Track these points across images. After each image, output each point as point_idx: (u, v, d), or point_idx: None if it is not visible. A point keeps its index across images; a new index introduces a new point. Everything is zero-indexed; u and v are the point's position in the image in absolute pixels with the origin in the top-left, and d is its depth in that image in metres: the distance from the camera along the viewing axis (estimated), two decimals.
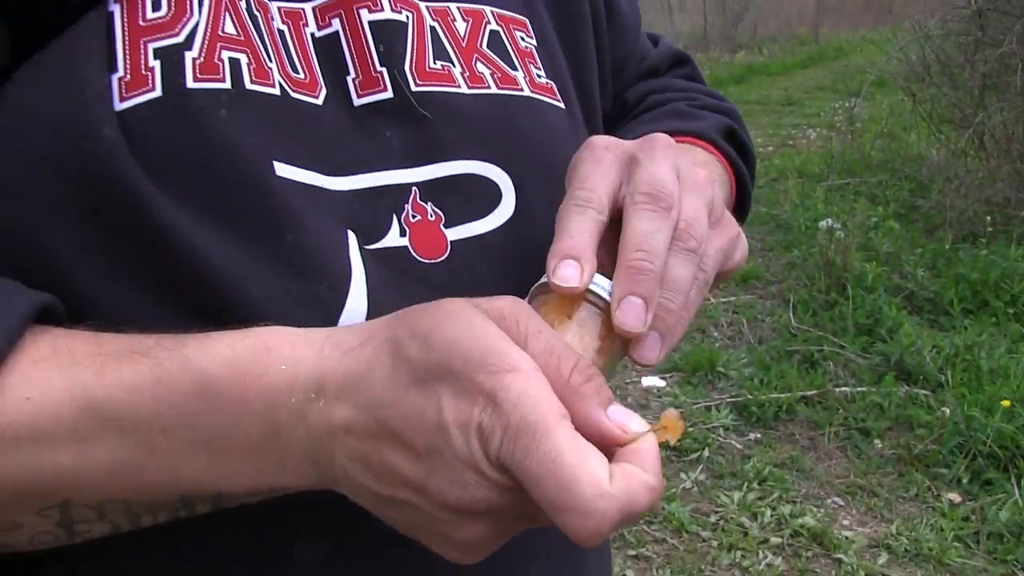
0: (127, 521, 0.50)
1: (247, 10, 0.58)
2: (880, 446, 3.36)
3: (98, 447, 0.46)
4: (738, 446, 3.43)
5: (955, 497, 3.03)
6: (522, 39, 0.71)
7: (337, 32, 0.62)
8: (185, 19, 0.55)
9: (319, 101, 0.60)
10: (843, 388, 3.72)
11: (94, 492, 0.48)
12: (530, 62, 0.70)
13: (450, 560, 0.47)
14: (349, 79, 0.62)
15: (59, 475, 0.46)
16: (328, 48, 0.62)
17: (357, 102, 0.61)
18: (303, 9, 0.62)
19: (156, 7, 0.54)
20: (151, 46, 0.53)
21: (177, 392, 0.46)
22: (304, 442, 0.46)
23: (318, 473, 0.48)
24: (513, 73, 0.68)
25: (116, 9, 0.54)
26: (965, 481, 3.09)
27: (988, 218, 4.99)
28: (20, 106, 0.51)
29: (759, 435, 3.50)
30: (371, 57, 0.62)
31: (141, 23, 0.54)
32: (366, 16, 0.63)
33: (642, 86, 0.89)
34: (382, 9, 0.63)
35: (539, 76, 0.70)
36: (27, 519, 0.48)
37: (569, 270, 0.51)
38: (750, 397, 3.67)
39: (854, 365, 3.88)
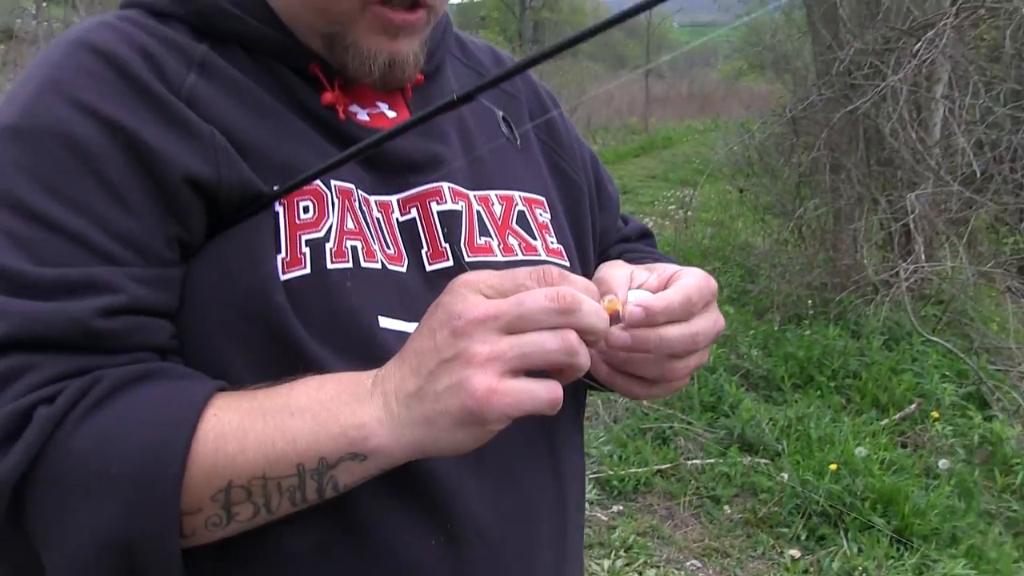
0: (262, 501, 0.73)
1: (360, 208, 0.86)
2: (729, 511, 3.73)
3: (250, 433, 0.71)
4: (603, 518, 3.73)
5: (796, 553, 3.42)
6: (540, 214, 1.00)
7: (415, 218, 0.90)
8: (324, 220, 0.82)
9: (403, 269, 0.87)
10: (694, 460, 4.09)
11: (245, 471, 0.71)
12: (546, 232, 0.99)
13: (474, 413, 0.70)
14: (423, 252, 0.89)
15: (230, 458, 0.71)
16: (409, 230, 0.89)
17: (428, 269, 0.89)
18: (391, 201, 0.90)
19: (306, 211, 0.82)
20: (303, 237, 0.81)
21: (302, 386, 0.74)
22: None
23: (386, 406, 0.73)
24: (534, 242, 0.97)
25: (281, 211, 0.81)
26: (803, 538, 3.49)
27: (809, 301, 5.57)
28: (220, 268, 0.78)
29: (621, 507, 3.81)
30: (438, 236, 0.90)
31: (297, 221, 0.81)
32: (435, 207, 0.91)
33: (620, 247, 1.20)
34: (445, 202, 0.91)
35: (552, 243, 0.99)
36: (205, 503, 0.70)
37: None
38: (611, 472, 3.98)
39: (702, 439, 4.27)
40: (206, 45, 0.85)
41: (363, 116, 0.93)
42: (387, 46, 0.88)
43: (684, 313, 0.84)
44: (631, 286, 0.91)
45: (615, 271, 0.94)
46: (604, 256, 1.15)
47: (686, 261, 7.01)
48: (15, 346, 0.69)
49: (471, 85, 1.00)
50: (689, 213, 8.17)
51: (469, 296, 0.71)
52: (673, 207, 9.23)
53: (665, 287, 0.88)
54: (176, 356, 0.78)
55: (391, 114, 0.95)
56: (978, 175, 4.86)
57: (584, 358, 0.71)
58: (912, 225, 4.80)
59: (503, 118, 0.86)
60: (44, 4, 33.51)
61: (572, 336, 0.70)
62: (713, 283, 0.89)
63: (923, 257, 4.96)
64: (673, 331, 0.84)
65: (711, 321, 0.88)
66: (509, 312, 0.69)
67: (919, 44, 4.79)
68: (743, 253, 7.08)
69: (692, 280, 0.87)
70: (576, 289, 0.71)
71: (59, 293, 0.71)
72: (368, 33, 0.87)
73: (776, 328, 5.40)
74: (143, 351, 0.75)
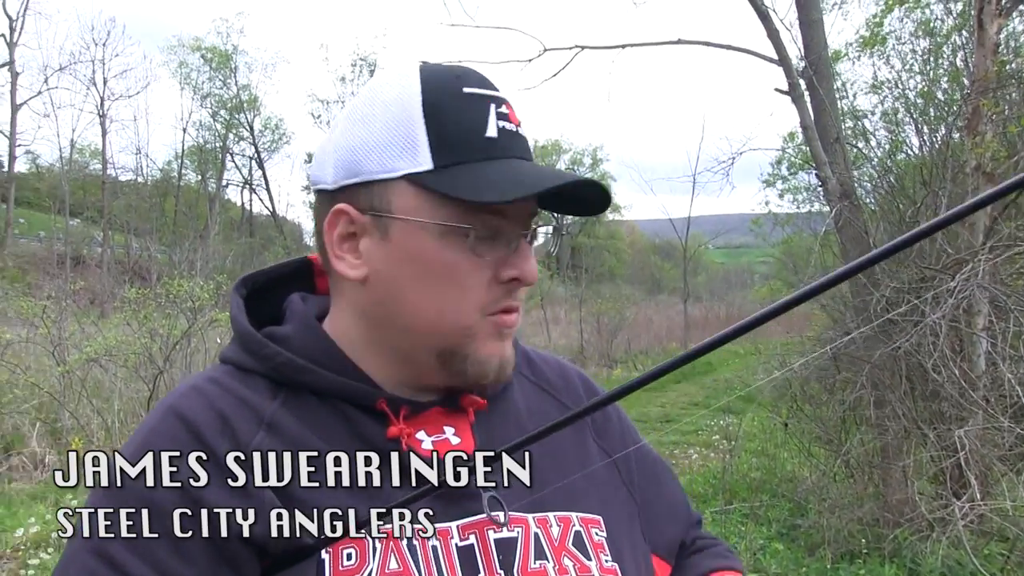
0: None
1: (407, 545, 0.91)
2: None
3: None
4: None
5: None
6: (596, 534, 1.04)
7: (473, 544, 0.94)
8: (365, 567, 0.89)
9: None
10: None
11: None
12: (601, 551, 1.03)
13: None
14: None
15: None
16: (467, 555, 0.94)
17: None
18: (451, 527, 0.94)
19: (349, 558, 0.89)
20: None
21: None
22: None
23: None
24: (588, 563, 1.00)
25: (327, 558, 0.88)
26: None
27: (863, 539, 5.39)
28: None
29: None
30: (494, 562, 0.94)
31: (340, 568, 0.88)
32: (492, 535, 0.95)
33: (692, 533, 1.25)
34: (502, 530, 0.96)
35: (606, 562, 1.02)
36: None
37: None
38: None
39: None
40: (280, 399, 0.98)
41: (427, 444, 1.00)
42: (499, 349, 1.00)
43: None
44: None
45: None
46: (680, 544, 1.22)
47: (733, 495, 6.91)
48: None
49: (539, 405, 1.13)
50: (735, 443, 8.07)
51: None
52: (717, 437, 9.13)
53: None
54: None
55: (455, 440, 1.01)
56: None
57: None
58: (964, 461, 4.70)
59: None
60: (110, 232, 35.30)
61: None
62: None
63: (978, 495, 4.82)
64: None
65: None
66: None
67: (955, 281, 4.88)
68: (790, 486, 6.93)
69: None
70: None
71: None
72: (486, 340, 0.98)
73: (829, 566, 5.20)
74: None
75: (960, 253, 5.40)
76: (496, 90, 1.00)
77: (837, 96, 6.33)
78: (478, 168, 0.94)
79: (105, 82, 37.64)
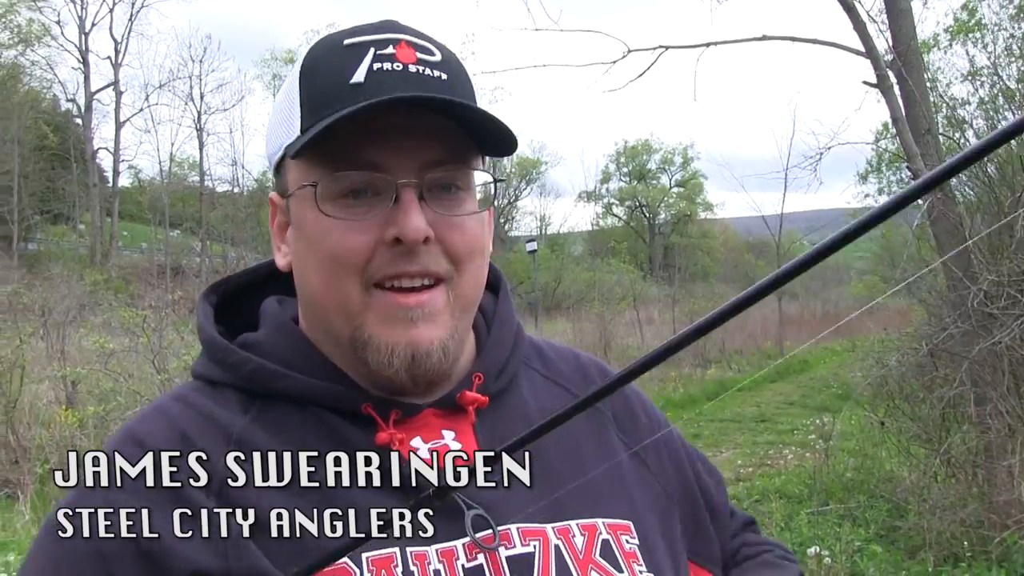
0: None
1: (405, 571, 0.81)
2: None
3: None
4: None
5: None
6: (627, 541, 0.92)
7: (482, 565, 0.83)
8: None
9: None
10: None
11: None
12: (633, 561, 0.91)
13: None
14: None
15: None
16: None
17: None
18: (455, 547, 0.83)
19: None
20: None
21: None
22: None
23: None
24: (619, 575, 0.89)
25: None
26: None
27: (965, 542, 5.23)
28: None
29: None
30: None
31: None
32: (503, 552, 0.84)
33: (737, 541, 1.15)
34: (515, 545, 0.85)
35: (640, 571, 0.91)
36: None
37: None
38: None
39: None
40: (253, 412, 0.88)
41: (424, 452, 0.88)
42: (405, 335, 0.85)
43: None
44: None
45: None
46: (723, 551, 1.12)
47: (829, 496, 6.77)
48: None
49: (552, 400, 0.99)
50: (831, 442, 7.90)
51: None
52: (813, 436, 8.96)
53: None
54: None
55: (455, 445, 0.90)
56: None
57: None
58: None
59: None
60: (208, 242, 36.33)
61: None
62: None
63: None
64: None
65: None
66: None
67: None
68: (889, 486, 6.75)
69: None
70: None
71: None
72: (383, 323, 0.85)
73: (931, 569, 5.07)
74: None
75: None
76: (397, 32, 0.87)
77: (928, 87, 6.16)
78: (332, 118, 0.82)
79: (202, 97, 39.16)
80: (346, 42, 0.86)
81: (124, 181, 42.94)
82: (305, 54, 0.89)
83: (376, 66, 0.84)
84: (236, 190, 40.63)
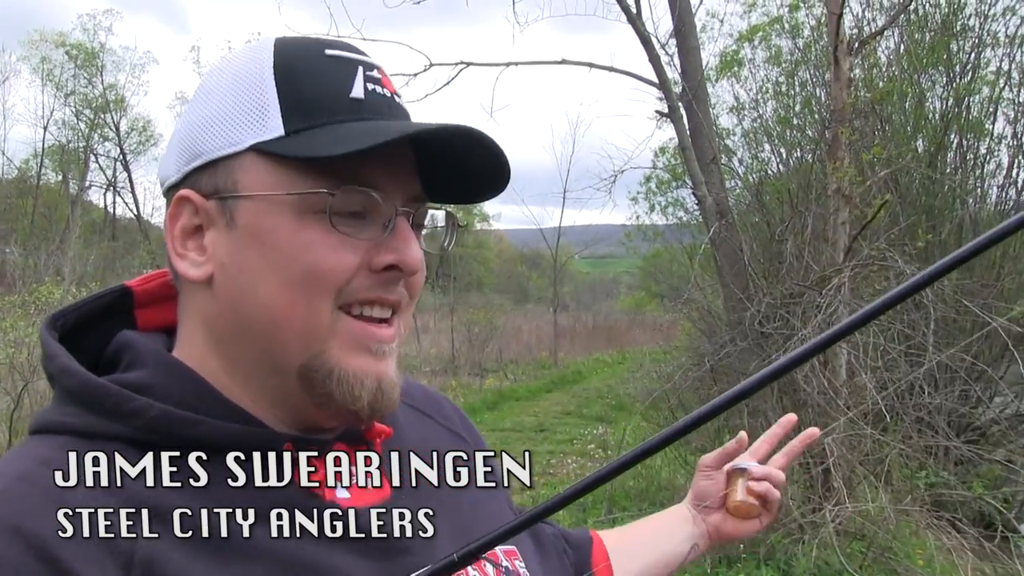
0: None
1: None
2: None
3: None
4: None
5: None
6: (519, 565, 0.94)
7: None
8: None
9: None
10: None
11: None
12: None
13: None
14: None
15: None
16: None
17: None
18: None
19: None
20: None
21: None
22: None
23: None
24: None
25: None
26: None
27: (740, 545, 5.64)
28: None
29: None
30: None
31: None
32: None
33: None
34: None
35: None
36: None
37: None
38: None
39: None
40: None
41: (343, 492, 0.82)
42: (371, 366, 0.81)
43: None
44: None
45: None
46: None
47: (613, 504, 7.10)
48: None
49: (427, 431, 1.00)
50: (609, 453, 8.29)
51: None
52: (592, 446, 9.35)
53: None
54: None
55: (371, 483, 0.82)
56: (887, 416, 5.15)
57: None
58: (832, 466, 5.00)
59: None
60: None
61: None
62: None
63: (846, 497, 5.14)
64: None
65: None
66: None
67: (823, 297, 5.19)
68: (667, 494, 7.16)
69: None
70: None
71: None
72: (350, 353, 0.80)
73: (709, 571, 5.41)
74: None
75: (824, 270, 5.75)
76: (366, 55, 0.86)
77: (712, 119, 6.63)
78: (341, 128, 0.79)
79: None
80: (328, 52, 0.83)
81: None
82: (271, 52, 0.83)
83: (369, 86, 0.82)
84: None
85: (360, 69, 0.83)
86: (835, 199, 6.05)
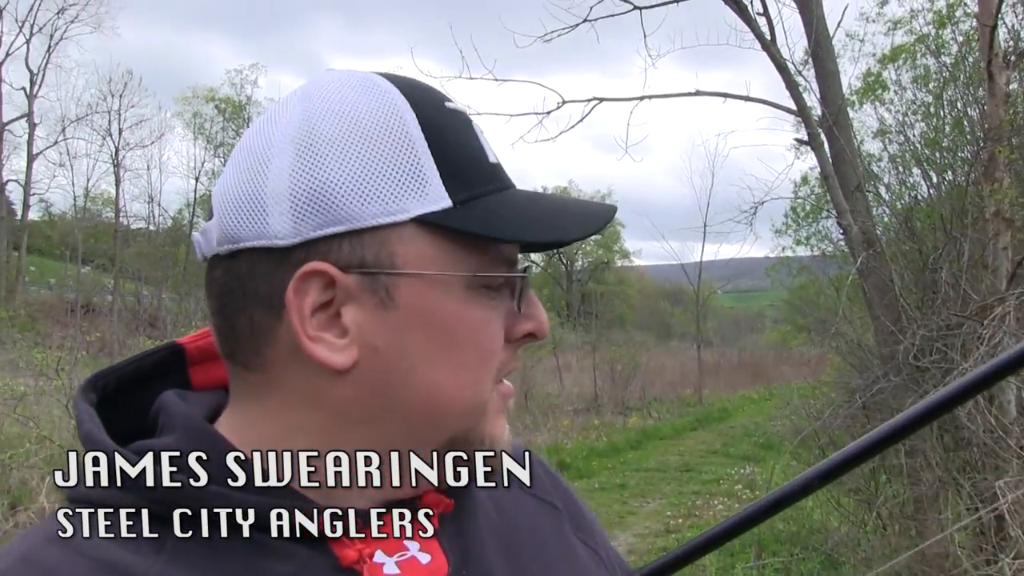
0: None
1: None
2: None
3: None
4: None
5: None
6: None
7: None
8: None
9: None
10: None
11: None
12: None
13: None
14: None
15: None
16: None
17: None
18: None
19: None
20: None
21: None
22: None
23: None
24: None
25: None
26: None
27: None
28: None
29: None
30: None
31: None
32: None
33: None
34: None
35: None
36: None
37: None
38: None
39: None
40: (169, 547, 0.68)
41: (391, 567, 0.74)
42: (505, 426, 0.79)
43: None
44: None
45: None
46: None
47: (762, 548, 6.80)
48: None
49: (505, 497, 0.87)
50: (757, 493, 7.97)
51: None
52: (740, 487, 9.03)
53: None
54: None
55: (424, 558, 0.75)
56: None
57: None
58: (1007, 513, 4.62)
59: None
60: (120, 280, 35.41)
61: None
62: None
63: None
64: None
65: None
66: None
67: (985, 327, 4.84)
68: (819, 537, 6.82)
69: None
70: None
71: None
72: (496, 416, 0.77)
73: None
74: None
75: (985, 299, 5.37)
76: (467, 108, 0.83)
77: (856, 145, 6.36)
78: (494, 202, 0.74)
79: (120, 132, 38.13)
80: (447, 105, 0.77)
81: (34, 215, 41.72)
82: (403, 100, 0.74)
83: (492, 149, 0.79)
84: (152, 228, 39.76)
85: (476, 127, 0.79)
86: (994, 223, 5.67)
